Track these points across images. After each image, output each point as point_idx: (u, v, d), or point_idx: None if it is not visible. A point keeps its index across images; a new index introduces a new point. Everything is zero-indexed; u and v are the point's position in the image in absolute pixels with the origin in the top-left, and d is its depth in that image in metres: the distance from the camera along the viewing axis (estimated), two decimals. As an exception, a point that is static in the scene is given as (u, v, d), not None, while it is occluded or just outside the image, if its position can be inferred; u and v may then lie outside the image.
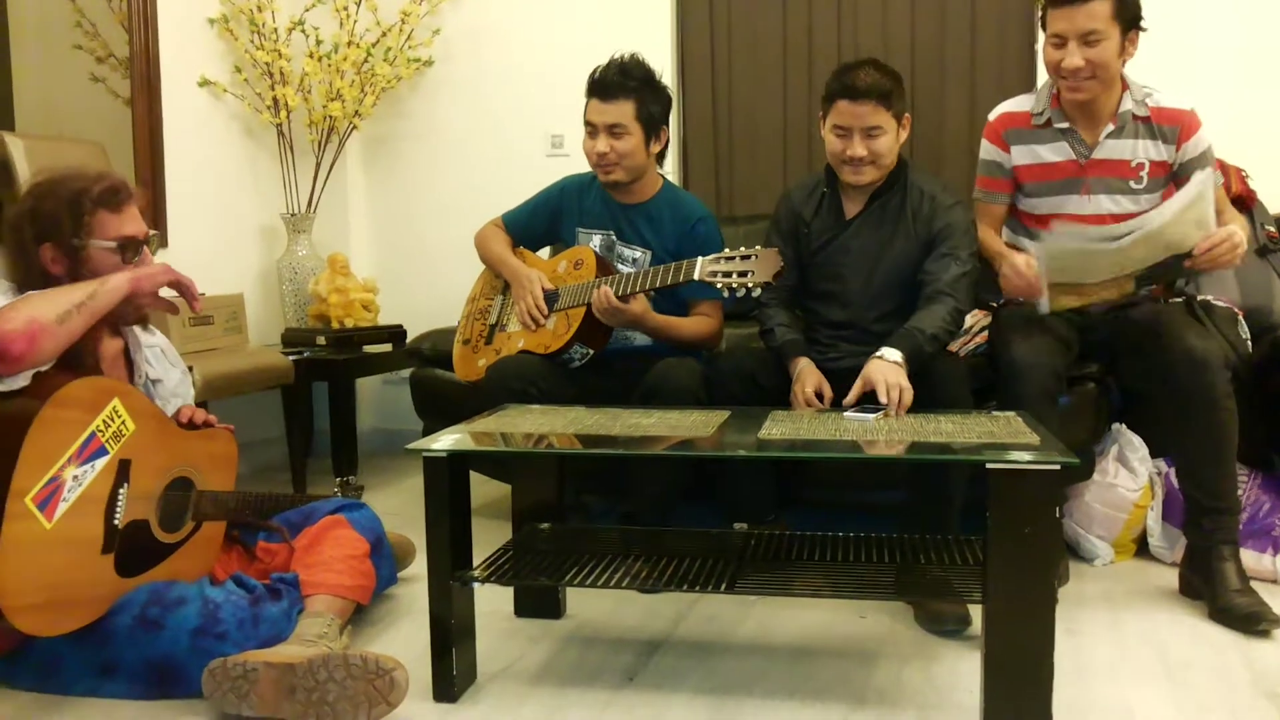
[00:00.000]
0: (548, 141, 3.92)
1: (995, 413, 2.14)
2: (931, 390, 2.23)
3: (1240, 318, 2.64)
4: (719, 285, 2.25)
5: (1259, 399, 2.50)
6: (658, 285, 2.39)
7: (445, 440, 1.92)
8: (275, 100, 3.68)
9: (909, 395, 2.13)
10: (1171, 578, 2.42)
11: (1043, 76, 2.71)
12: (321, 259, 3.75)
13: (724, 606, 2.32)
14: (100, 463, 1.85)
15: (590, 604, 2.33)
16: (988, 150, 2.61)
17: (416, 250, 4.14)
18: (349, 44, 3.78)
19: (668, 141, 2.69)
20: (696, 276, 2.29)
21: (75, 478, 1.80)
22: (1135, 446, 2.61)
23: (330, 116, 3.75)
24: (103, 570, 1.87)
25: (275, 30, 3.66)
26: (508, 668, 2.02)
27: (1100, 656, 2.04)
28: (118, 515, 1.90)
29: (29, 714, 1.83)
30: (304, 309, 3.72)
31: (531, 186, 2.90)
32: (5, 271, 2.01)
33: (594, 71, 2.62)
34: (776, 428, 1.98)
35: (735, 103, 3.83)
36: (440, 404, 3.04)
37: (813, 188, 2.57)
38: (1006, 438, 1.82)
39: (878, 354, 2.21)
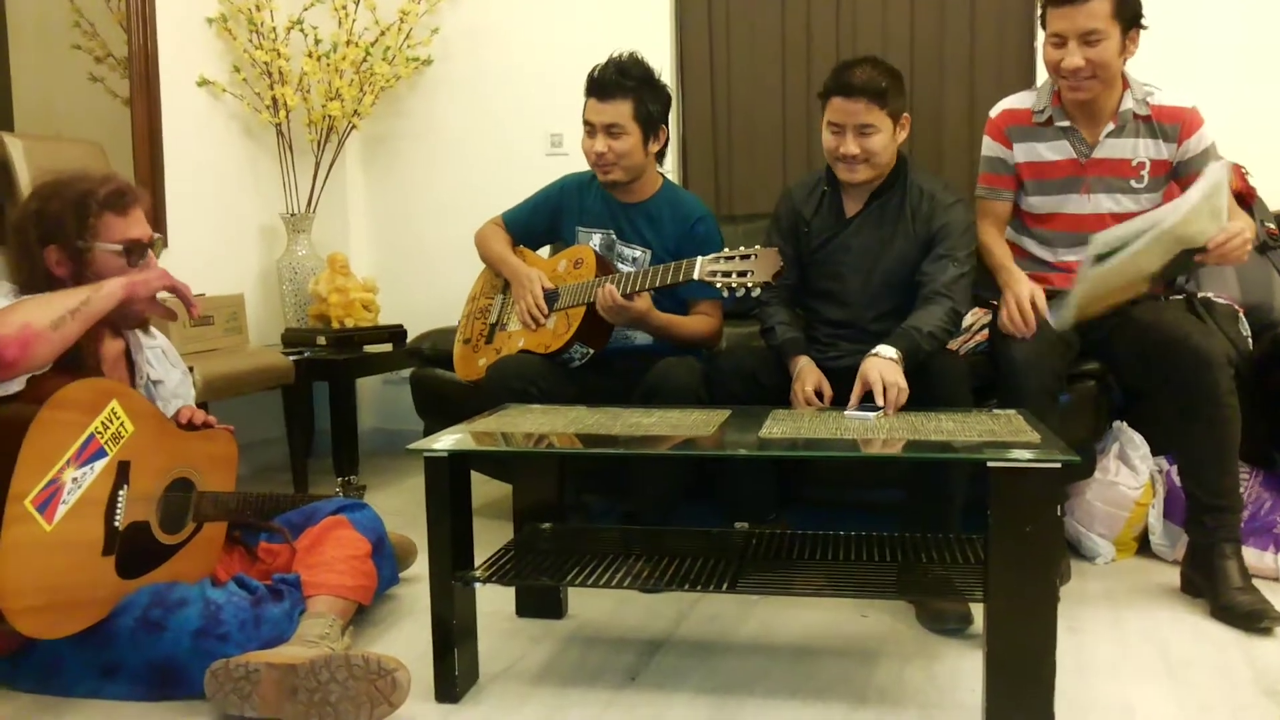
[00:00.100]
0: (547, 140, 3.92)
1: (996, 411, 2.13)
2: (931, 388, 2.23)
3: (1241, 315, 2.64)
4: (718, 285, 2.25)
5: (1260, 396, 2.50)
6: (657, 285, 2.39)
7: (446, 440, 1.92)
8: (274, 100, 3.67)
9: (905, 393, 2.12)
10: (1173, 576, 2.42)
11: (1042, 74, 2.70)
12: (321, 259, 3.75)
13: (725, 606, 2.32)
14: (99, 464, 1.85)
15: (592, 604, 2.33)
16: (990, 146, 2.59)
17: (416, 250, 4.14)
18: (348, 43, 3.78)
19: (667, 140, 2.69)
20: (696, 276, 2.29)
21: (75, 480, 1.80)
22: (1136, 444, 2.60)
23: (329, 116, 3.75)
24: (103, 572, 1.87)
25: (274, 30, 3.66)
26: (509, 668, 2.02)
27: (1102, 655, 2.04)
28: (118, 517, 1.89)
29: (30, 715, 1.83)
30: (304, 309, 3.72)
31: (531, 185, 2.89)
32: (8, 273, 2.01)
33: (592, 70, 2.62)
34: (777, 427, 1.98)
35: (734, 101, 3.82)
36: (441, 404, 3.04)
37: (813, 186, 2.56)
38: (1007, 436, 1.82)
39: (874, 351, 2.21)
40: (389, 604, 2.35)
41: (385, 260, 4.19)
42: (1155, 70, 2.57)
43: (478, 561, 1.96)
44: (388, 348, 3.69)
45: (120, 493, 1.90)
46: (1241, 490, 2.37)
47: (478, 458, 2.59)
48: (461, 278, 3.01)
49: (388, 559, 2.27)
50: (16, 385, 1.82)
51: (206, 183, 3.59)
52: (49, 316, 1.83)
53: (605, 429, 2.00)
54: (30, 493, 1.73)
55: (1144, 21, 2.39)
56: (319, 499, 2.25)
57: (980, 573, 1.82)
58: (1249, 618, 2.13)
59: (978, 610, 2.07)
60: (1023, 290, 2.37)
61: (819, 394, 2.32)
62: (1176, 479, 2.47)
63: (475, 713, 1.83)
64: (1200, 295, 2.67)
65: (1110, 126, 2.46)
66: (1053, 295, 2.40)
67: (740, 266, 2.23)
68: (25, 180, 2.71)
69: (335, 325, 3.61)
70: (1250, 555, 2.37)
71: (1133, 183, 2.48)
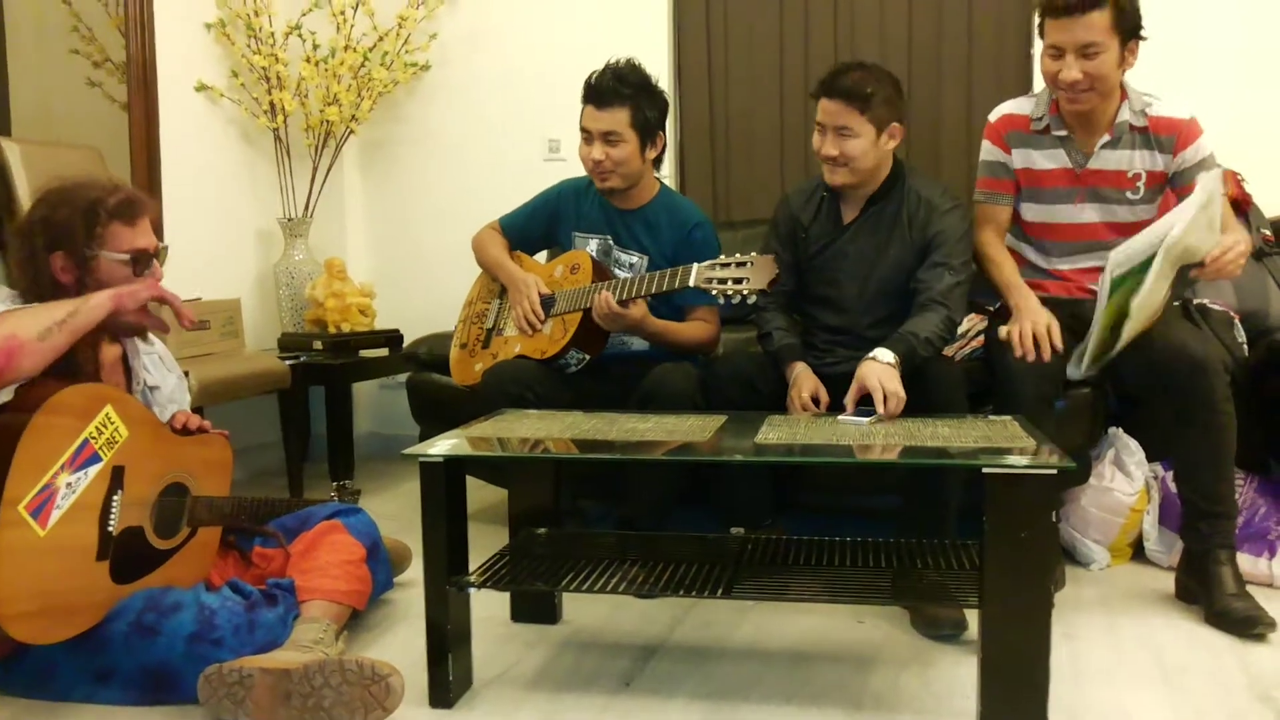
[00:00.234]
0: (544, 146, 3.91)
1: (991, 417, 2.14)
2: (927, 394, 2.23)
3: (1236, 321, 2.64)
4: (714, 292, 2.25)
5: (1255, 402, 2.50)
6: (653, 291, 2.39)
7: (442, 445, 1.92)
8: (272, 105, 3.68)
9: (903, 402, 2.12)
10: (1168, 582, 2.42)
11: (1039, 80, 2.70)
12: (318, 263, 3.75)
13: (720, 611, 2.32)
14: (93, 469, 1.85)
15: (587, 609, 2.33)
16: (989, 151, 2.55)
17: (413, 254, 4.14)
18: (346, 48, 3.78)
19: (664, 146, 2.69)
20: (692, 283, 2.29)
21: (69, 485, 1.80)
22: (1132, 450, 2.60)
23: (327, 121, 3.75)
24: (97, 577, 1.87)
25: (272, 35, 3.66)
26: (504, 673, 2.01)
27: (1096, 661, 2.03)
28: (112, 522, 1.89)
29: (24, 721, 1.83)
30: (301, 313, 3.72)
31: (528, 191, 2.90)
32: (9, 278, 2.01)
33: (589, 77, 2.62)
34: (773, 432, 1.98)
35: (732, 107, 3.82)
36: (437, 408, 3.03)
37: (811, 192, 2.56)
38: (1003, 442, 1.83)
39: (871, 354, 2.20)
40: (383, 609, 2.35)
41: (382, 265, 4.19)
42: (1154, 77, 2.54)
43: (473, 566, 1.96)
44: (384, 352, 3.69)
45: (114, 498, 1.90)
46: (1236, 496, 2.37)
47: (473, 463, 2.58)
48: (458, 283, 3.01)
49: (382, 564, 2.27)
50: (4, 396, 1.82)
51: (204, 187, 3.59)
52: (36, 328, 1.83)
53: (601, 434, 2.01)
54: (24, 498, 1.73)
55: (1143, 32, 2.34)
56: (314, 504, 2.25)
57: (975, 578, 1.81)
58: (1243, 624, 2.13)
59: (972, 616, 2.08)
60: (1040, 320, 2.31)
61: (815, 400, 2.32)
62: (1172, 485, 2.47)
63: (469, 718, 1.83)
64: (1196, 301, 2.68)
65: (1105, 138, 2.43)
66: (1048, 303, 2.40)
67: (736, 274, 2.23)
68: (23, 185, 2.71)
69: (332, 330, 3.61)
70: (1245, 561, 2.37)
71: (1128, 194, 2.46)
